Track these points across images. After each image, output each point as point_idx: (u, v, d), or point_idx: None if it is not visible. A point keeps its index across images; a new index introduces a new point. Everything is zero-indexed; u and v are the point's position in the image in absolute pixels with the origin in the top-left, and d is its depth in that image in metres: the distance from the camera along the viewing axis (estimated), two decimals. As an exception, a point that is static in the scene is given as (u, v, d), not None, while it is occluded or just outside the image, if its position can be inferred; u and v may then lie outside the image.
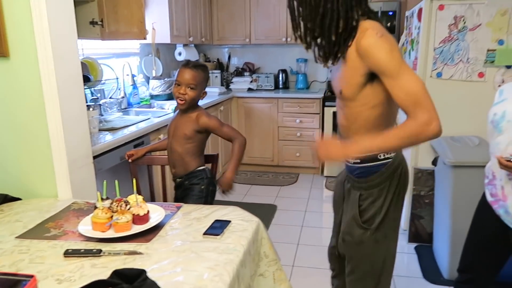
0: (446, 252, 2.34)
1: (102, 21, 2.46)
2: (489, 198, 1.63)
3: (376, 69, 1.20)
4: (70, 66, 1.69)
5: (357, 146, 1.27)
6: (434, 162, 2.55)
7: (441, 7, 2.51)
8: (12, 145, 1.70)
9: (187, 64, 1.85)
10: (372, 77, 1.23)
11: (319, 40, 1.29)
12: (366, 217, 1.37)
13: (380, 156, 1.34)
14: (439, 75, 2.59)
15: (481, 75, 2.53)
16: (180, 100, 1.84)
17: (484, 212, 1.71)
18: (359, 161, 1.37)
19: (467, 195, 2.15)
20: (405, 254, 2.69)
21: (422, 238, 2.76)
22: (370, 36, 1.19)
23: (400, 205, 1.40)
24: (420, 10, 2.64)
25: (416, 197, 2.70)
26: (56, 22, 1.60)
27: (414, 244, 2.76)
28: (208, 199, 1.91)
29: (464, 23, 2.49)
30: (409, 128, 1.17)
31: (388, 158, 1.34)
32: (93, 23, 2.47)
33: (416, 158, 2.74)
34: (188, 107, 1.87)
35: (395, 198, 1.36)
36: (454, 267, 1.95)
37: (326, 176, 4.19)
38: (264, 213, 3.30)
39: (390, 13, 3.95)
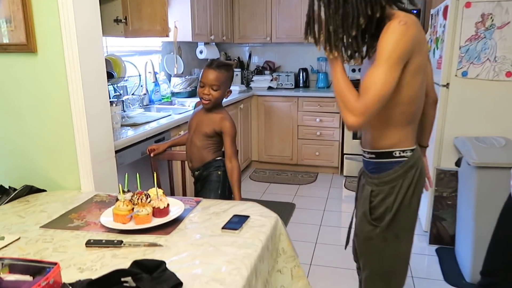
0: (469, 254, 2.28)
1: (126, 18, 2.51)
2: None
3: (377, 50, 1.18)
4: (95, 63, 1.73)
5: (336, 60, 1.26)
6: (458, 163, 2.49)
7: (467, 5, 2.45)
8: (38, 139, 1.75)
9: (210, 64, 1.86)
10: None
11: (344, 40, 1.25)
12: (376, 214, 1.35)
13: (395, 153, 1.32)
14: (464, 74, 2.53)
15: (509, 74, 2.46)
16: (205, 100, 1.87)
17: (510, 214, 1.66)
18: (374, 156, 1.36)
19: (492, 197, 2.10)
20: (426, 256, 2.64)
21: (444, 240, 2.70)
22: (394, 21, 1.17)
23: (414, 206, 1.37)
24: (446, 7, 2.58)
25: (438, 198, 2.64)
26: (82, 19, 1.63)
27: (435, 246, 2.71)
28: (226, 185, 1.92)
29: (492, 21, 2.42)
30: (351, 97, 1.19)
31: (403, 156, 1.32)
32: (117, 20, 2.51)
33: (439, 158, 2.69)
34: (212, 106, 1.90)
35: (408, 198, 1.33)
36: (477, 270, 1.90)
37: (345, 176, 4.15)
38: (283, 211, 3.29)
39: (415, 11, 3.88)
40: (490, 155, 2.16)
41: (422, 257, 2.62)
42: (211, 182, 1.92)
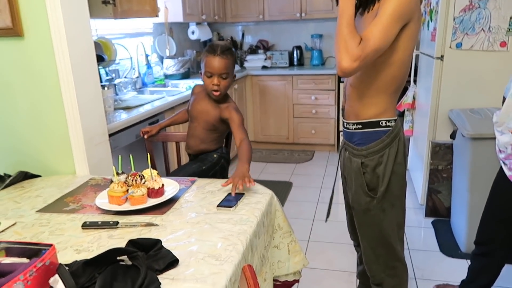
0: (464, 226, 2.31)
1: (114, 0, 2.45)
2: (508, 173, 1.59)
3: (380, 9, 1.19)
4: (84, 45, 1.70)
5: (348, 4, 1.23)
6: (453, 136, 2.49)
7: (461, -26, 2.41)
8: (30, 125, 1.74)
9: (213, 51, 1.71)
10: None
11: None
12: (371, 185, 1.37)
13: (382, 122, 1.34)
14: (459, 45, 2.51)
15: (503, 44, 2.44)
16: (215, 92, 1.75)
17: (502, 184, 1.68)
18: (360, 126, 1.36)
19: (486, 168, 2.11)
20: (422, 228, 2.67)
21: (440, 213, 2.73)
22: None
23: (402, 173, 1.40)
24: (439, -22, 2.54)
25: (433, 171, 2.66)
26: (68, 1, 1.60)
27: (431, 219, 2.74)
28: (217, 167, 1.90)
29: (486, -10, 2.38)
30: (353, 41, 1.18)
31: (389, 126, 1.34)
32: (105, 2, 2.46)
33: (434, 132, 2.69)
34: (223, 96, 1.80)
35: (397, 165, 1.36)
36: (472, 241, 1.93)
37: (342, 153, 4.16)
38: (280, 190, 3.31)
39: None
40: (485, 127, 2.16)
41: (419, 229, 2.66)
42: (203, 159, 1.90)
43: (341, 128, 4.08)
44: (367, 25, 1.24)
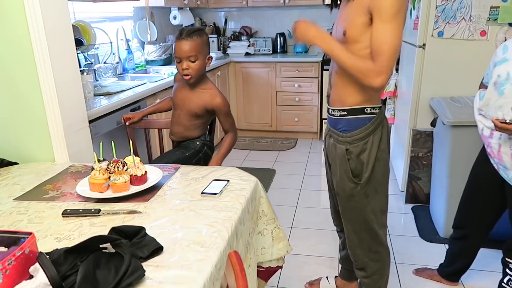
0: (443, 211, 2.37)
1: (92, -19, 2.37)
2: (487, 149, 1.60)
3: (375, 6, 1.20)
4: (61, 27, 1.64)
5: (321, 34, 1.30)
6: (433, 123, 2.53)
7: (444, -38, 2.41)
8: (7, 110, 1.67)
9: (180, 35, 1.71)
10: None
11: None
12: (355, 172, 1.39)
13: (367, 110, 1.35)
14: (440, 34, 2.53)
15: (483, 33, 2.47)
16: (186, 76, 1.74)
17: (481, 168, 1.72)
18: (346, 113, 1.37)
19: (466, 155, 2.15)
20: (402, 214, 2.73)
21: (419, 199, 2.79)
22: None
23: (386, 159, 1.42)
24: (422, -34, 2.54)
25: (414, 158, 2.71)
26: (43, -20, 1.53)
27: (411, 205, 2.80)
28: (201, 154, 1.89)
29: (468, -22, 2.40)
30: (364, 64, 1.23)
31: (373, 113, 1.36)
32: (83, -16, 2.38)
33: (415, 120, 2.73)
34: (197, 80, 1.78)
35: (380, 152, 1.38)
36: (450, 226, 1.98)
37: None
38: (263, 177, 3.32)
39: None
40: (465, 114, 2.20)
41: (399, 215, 2.71)
42: (186, 146, 1.89)
43: (324, 116, 4.12)
44: (353, 13, 1.23)
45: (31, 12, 1.52)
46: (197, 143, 1.89)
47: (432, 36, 2.55)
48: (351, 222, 1.47)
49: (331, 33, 1.40)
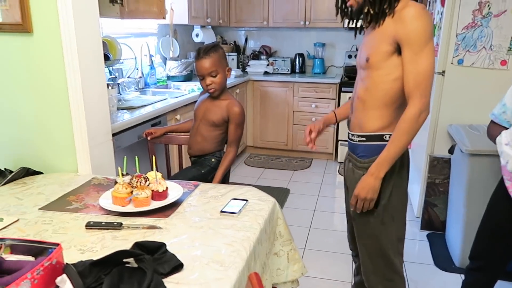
0: (459, 240, 2.34)
1: (122, 0, 2.47)
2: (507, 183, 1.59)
3: (403, 38, 1.23)
4: (92, 44, 1.71)
5: (378, 168, 1.32)
6: (451, 150, 2.52)
7: (466, -8, 2.44)
8: (35, 121, 1.74)
9: (198, 54, 1.84)
10: (400, 48, 1.26)
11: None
12: None
13: (385, 137, 1.36)
14: (460, 62, 2.54)
15: (503, 63, 2.47)
16: (210, 90, 1.86)
17: (499, 199, 1.70)
18: (364, 139, 1.38)
19: (483, 184, 2.13)
20: (417, 241, 2.69)
21: (435, 226, 2.75)
22: (414, 6, 1.23)
23: (404, 187, 1.42)
24: (444, -6, 2.58)
25: (430, 185, 2.69)
26: (78, -1, 1.61)
27: (427, 232, 2.76)
28: (213, 172, 1.93)
29: (489, 9, 2.42)
30: (408, 120, 1.27)
31: None
32: (112, 1, 2.47)
33: (432, 146, 2.72)
34: (220, 92, 1.90)
35: (399, 180, 1.38)
36: (466, 255, 1.95)
37: (339, 162, 4.19)
38: (277, 196, 3.32)
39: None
40: (483, 143, 2.18)
41: (413, 242, 2.68)
42: (202, 164, 1.95)
43: (340, 137, 4.13)
44: (377, 41, 1.26)
45: (65, 27, 1.59)
46: (212, 160, 1.94)
47: (451, 63, 2.56)
48: (366, 248, 1.47)
49: (349, 56, 1.43)
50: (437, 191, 2.68)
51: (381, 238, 1.42)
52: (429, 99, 1.27)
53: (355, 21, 1.39)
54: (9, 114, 1.75)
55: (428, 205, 2.73)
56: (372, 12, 1.30)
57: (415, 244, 2.66)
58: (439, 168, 2.65)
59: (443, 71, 2.58)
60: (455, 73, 2.56)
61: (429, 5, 3.07)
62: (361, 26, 1.42)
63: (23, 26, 1.62)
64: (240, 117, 1.88)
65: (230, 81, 3.72)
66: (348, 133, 1.47)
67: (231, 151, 1.91)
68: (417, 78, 1.23)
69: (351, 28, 1.46)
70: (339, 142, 4.16)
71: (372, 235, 1.42)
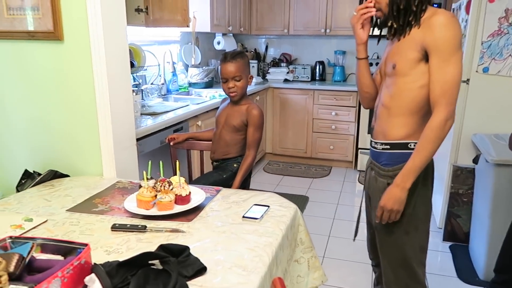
0: (483, 252, 2.28)
1: (147, 8, 2.53)
2: None
3: (432, 45, 1.23)
4: (119, 51, 1.76)
5: (405, 178, 1.30)
6: (475, 160, 2.47)
7: (491, 0, 2.41)
8: (63, 126, 1.79)
9: (225, 58, 1.91)
10: (428, 55, 1.26)
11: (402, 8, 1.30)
12: None
13: (410, 145, 1.35)
14: (485, 70, 2.50)
15: (531, 71, 2.42)
16: (232, 93, 1.91)
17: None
18: (388, 147, 1.37)
19: (509, 195, 2.08)
20: (439, 252, 2.64)
21: (458, 237, 2.69)
22: (443, 14, 1.23)
23: (428, 196, 1.41)
24: (469, 2, 2.54)
25: (453, 195, 2.63)
26: (107, 8, 1.66)
27: (449, 243, 2.70)
28: (234, 177, 1.94)
29: (516, 16, 2.38)
30: (435, 128, 1.25)
31: None
32: (138, 10, 2.54)
33: (456, 155, 2.67)
34: (241, 97, 1.94)
35: (423, 189, 1.36)
36: (491, 268, 1.91)
37: (359, 170, 4.15)
38: (296, 203, 3.29)
39: (435, 5, 3.82)
40: (509, 153, 2.14)
41: (436, 253, 2.62)
42: (224, 169, 1.98)
43: (360, 145, 4.10)
44: (405, 48, 1.26)
45: (94, 35, 1.65)
46: (234, 165, 1.96)
47: (476, 71, 2.52)
48: (388, 257, 1.45)
49: (370, 63, 1.44)
50: (460, 201, 2.63)
51: (404, 248, 1.40)
52: (455, 107, 1.26)
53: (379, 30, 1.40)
54: (39, 119, 1.81)
55: (451, 216, 2.68)
56: (395, 25, 1.31)
57: (437, 256, 2.60)
58: (463, 178, 2.60)
59: (468, 80, 2.54)
60: (480, 81, 2.52)
61: (453, 13, 3.03)
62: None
63: (54, 34, 1.69)
64: (259, 120, 1.91)
65: (250, 88, 3.74)
66: (371, 141, 1.46)
67: (250, 155, 1.93)
68: (444, 86, 1.22)
69: (374, 36, 1.46)
70: (359, 150, 4.13)
71: (395, 245, 1.41)
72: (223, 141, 1.97)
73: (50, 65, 1.74)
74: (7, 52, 1.78)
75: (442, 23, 1.21)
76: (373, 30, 1.42)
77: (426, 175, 1.34)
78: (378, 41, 1.48)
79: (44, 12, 1.69)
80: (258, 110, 1.92)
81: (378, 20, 1.37)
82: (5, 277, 0.73)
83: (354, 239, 1.67)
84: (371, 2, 1.35)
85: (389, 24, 1.32)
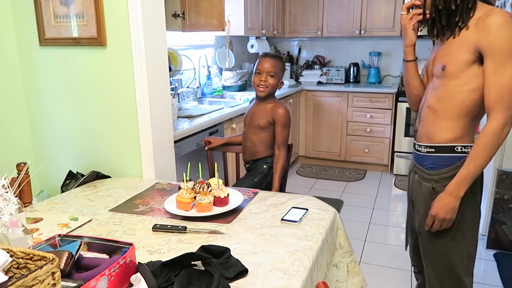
0: (532, 262, 2.16)
1: (183, 13, 2.58)
2: None
3: (487, 47, 1.17)
4: (159, 56, 1.80)
5: (458, 186, 1.25)
6: (523, 165, 2.35)
7: (540, -4, 2.29)
8: (105, 129, 1.86)
9: (266, 54, 1.95)
10: (482, 57, 1.20)
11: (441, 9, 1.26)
12: None
13: (457, 148, 1.29)
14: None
15: None
16: (261, 87, 1.92)
17: None
18: (433, 150, 1.32)
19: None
20: (483, 260, 2.52)
21: (503, 245, 2.57)
22: (500, 14, 1.16)
23: (477, 203, 1.34)
24: (515, -1, 2.43)
25: (498, 201, 2.51)
26: (148, 14, 1.71)
27: (493, 251, 2.58)
28: (266, 178, 1.95)
29: None
30: (491, 134, 1.18)
31: (465, 152, 1.28)
32: (175, 15, 2.59)
33: (501, 159, 2.55)
34: (267, 94, 1.93)
35: (472, 195, 1.30)
36: (542, 279, 1.80)
37: (395, 174, 4.04)
38: (330, 207, 3.27)
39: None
40: (561, 157, 2.02)
41: (479, 261, 2.51)
42: (254, 172, 1.98)
43: (396, 148, 3.99)
44: (456, 49, 1.22)
45: (136, 41, 1.70)
46: (264, 166, 1.96)
47: (523, 71, 2.40)
48: (433, 265, 1.40)
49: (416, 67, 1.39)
50: (505, 207, 2.51)
51: (451, 256, 1.34)
52: (511, 113, 1.18)
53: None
54: (82, 122, 1.88)
55: (495, 223, 2.56)
56: (439, 26, 1.26)
57: (481, 264, 2.49)
58: (508, 183, 2.48)
59: (513, 80, 2.42)
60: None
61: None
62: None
63: (98, 40, 1.75)
64: (285, 118, 1.90)
65: (283, 91, 3.74)
66: (414, 144, 1.42)
67: (281, 155, 1.91)
68: (501, 90, 1.16)
69: (421, 36, 1.42)
70: (395, 153, 4.03)
71: (441, 252, 1.35)
72: (249, 141, 1.99)
73: (93, 70, 1.81)
74: (53, 58, 1.87)
75: (499, 24, 1.14)
76: (421, 29, 1.38)
77: (474, 181, 1.28)
78: (434, 42, 1.42)
79: (88, 19, 1.75)
80: (284, 108, 1.92)
81: (428, 22, 1.32)
82: (58, 274, 0.75)
83: (406, 249, 1.61)
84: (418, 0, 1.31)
85: (431, 23, 1.28)
